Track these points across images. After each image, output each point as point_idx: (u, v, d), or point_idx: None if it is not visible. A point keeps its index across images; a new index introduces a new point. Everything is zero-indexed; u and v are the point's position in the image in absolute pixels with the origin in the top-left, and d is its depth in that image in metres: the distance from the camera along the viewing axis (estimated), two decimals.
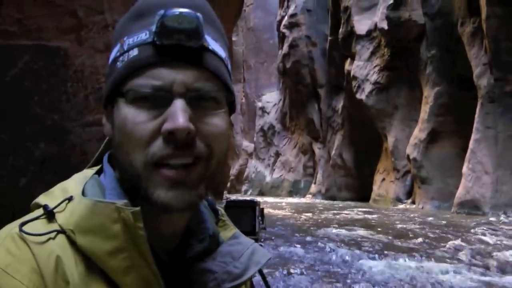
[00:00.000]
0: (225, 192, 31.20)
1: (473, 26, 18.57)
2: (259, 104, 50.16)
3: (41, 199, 0.86)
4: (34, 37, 6.88)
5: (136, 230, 0.77)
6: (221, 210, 1.07)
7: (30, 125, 6.83)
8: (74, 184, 0.88)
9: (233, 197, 35.87)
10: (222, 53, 0.87)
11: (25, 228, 0.77)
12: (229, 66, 0.90)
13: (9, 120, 6.65)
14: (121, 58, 0.84)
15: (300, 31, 38.69)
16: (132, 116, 0.80)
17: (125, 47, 0.84)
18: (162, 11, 0.79)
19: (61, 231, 0.79)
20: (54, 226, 0.80)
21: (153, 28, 0.80)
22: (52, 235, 0.78)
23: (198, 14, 0.80)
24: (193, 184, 0.81)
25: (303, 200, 35.03)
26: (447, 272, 7.40)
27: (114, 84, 0.84)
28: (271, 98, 49.01)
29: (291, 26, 39.41)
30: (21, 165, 6.75)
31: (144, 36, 0.82)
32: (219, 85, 0.85)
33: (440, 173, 21.29)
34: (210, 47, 0.84)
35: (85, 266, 0.77)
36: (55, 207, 0.82)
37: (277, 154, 45.22)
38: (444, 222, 15.09)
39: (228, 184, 41.28)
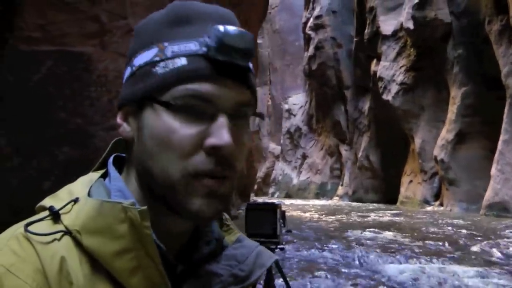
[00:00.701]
0: (252, 194, 31.28)
1: (500, 24, 18.21)
2: (286, 107, 50.16)
3: (47, 201, 0.86)
4: (57, 43, 6.96)
5: (143, 230, 0.77)
6: (225, 215, 1.07)
7: (54, 130, 6.91)
8: (79, 186, 0.89)
9: (260, 199, 35.95)
10: (253, 71, 0.88)
11: (30, 228, 0.78)
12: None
13: (33, 125, 6.74)
14: (162, 64, 0.82)
15: (326, 33, 38.65)
16: (175, 127, 0.80)
17: (168, 54, 0.82)
18: (217, 27, 0.79)
19: (67, 232, 0.80)
20: (60, 227, 0.80)
21: (208, 41, 0.80)
22: (57, 235, 0.78)
23: (250, 33, 0.82)
24: (226, 195, 0.83)
25: (330, 202, 34.93)
26: (475, 276, 7.27)
27: (153, 89, 0.83)
28: (297, 100, 48.99)
29: (317, 27, 39.38)
30: (45, 169, 6.84)
31: (193, 46, 0.81)
32: (252, 103, 0.87)
33: (468, 175, 20.96)
34: (250, 66, 0.85)
35: (91, 267, 0.78)
36: (61, 208, 0.82)
37: (304, 156, 45.16)
38: (472, 224, 14.86)
39: (255, 187, 41.34)
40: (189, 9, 0.85)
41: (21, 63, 6.57)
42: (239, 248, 0.97)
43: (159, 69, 0.82)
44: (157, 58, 0.83)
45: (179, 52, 0.81)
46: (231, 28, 0.79)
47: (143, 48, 0.86)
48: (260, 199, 36.53)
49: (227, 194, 0.83)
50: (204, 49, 0.80)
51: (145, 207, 0.77)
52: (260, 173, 48.97)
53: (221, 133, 0.78)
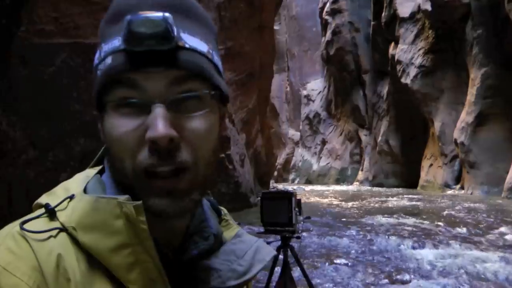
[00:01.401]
0: (272, 181, 31.37)
1: None
2: (304, 92, 50.12)
3: (43, 199, 0.85)
4: (71, 35, 7.00)
5: (139, 225, 0.76)
6: (224, 210, 1.06)
7: (69, 122, 6.98)
8: (76, 183, 0.87)
9: (280, 186, 36.03)
10: (203, 47, 0.83)
11: (26, 226, 0.77)
12: (215, 58, 0.86)
13: (49, 117, 6.82)
14: (100, 66, 0.81)
15: (343, 17, 38.48)
16: (116, 125, 0.78)
17: (102, 55, 0.81)
18: (129, 17, 0.75)
19: (63, 229, 0.78)
20: (56, 224, 0.79)
21: (123, 34, 0.77)
22: (53, 233, 0.77)
23: (166, 14, 0.76)
24: (184, 192, 0.79)
25: (350, 187, 34.92)
26: (497, 261, 7.18)
27: (97, 93, 0.82)
28: (315, 86, 48.93)
29: (334, 12, 39.22)
30: (61, 161, 6.92)
31: (116, 43, 0.79)
32: (201, 82, 0.81)
33: (489, 157, 20.75)
34: (186, 45, 0.79)
35: (88, 264, 0.76)
36: (57, 206, 0.81)
37: (323, 142, 45.16)
38: (494, 208, 14.73)
39: (275, 173, 41.47)
40: (122, 4, 0.82)
41: (35, 56, 6.62)
42: (238, 243, 0.96)
43: (99, 72, 0.81)
44: (97, 61, 0.83)
45: (107, 51, 0.80)
46: (138, 16, 0.75)
47: (95, 52, 0.86)
48: (280, 186, 36.62)
49: (189, 190, 0.80)
50: (123, 44, 0.77)
51: (140, 202, 0.76)
52: (280, 160, 49.08)
53: (155, 125, 0.74)
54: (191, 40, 0.80)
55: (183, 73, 0.79)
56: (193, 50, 0.80)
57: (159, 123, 0.74)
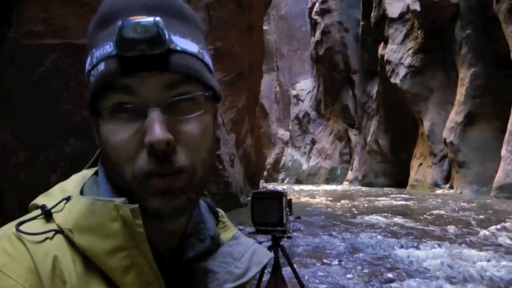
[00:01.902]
0: (261, 181, 31.38)
1: (509, 3, 18.03)
2: (293, 92, 50.21)
3: (40, 199, 0.84)
4: (61, 36, 6.96)
5: (135, 228, 0.76)
6: (221, 212, 1.06)
7: (59, 122, 6.94)
8: (72, 184, 0.87)
9: (270, 186, 36.05)
10: (193, 48, 0.83)
11: (22, 228, 0.76)
12: (206, 58, 0.86)
13: (39, 118, 6.77)
14: (92, 72, 0.80)
15: (332, 17, 38.59)
16: (113, 132, 0.78)
17: (94, 61, 0.80)
18: (120, 22, 0.75)
19: (59, 230, 0.78)
20: (52, 226, 0.78)
21: (115, 39, 0.77)
22: (50, 234, 0.77)
23: (157, 18, 0.76)
24: (180, 191, 0.79)
25: (340, 187, 35.00)
26: (486, 260, 7.23)
27: (90, 100, 0.81)
28: (305, 86, 49.02)
29: (323, 12, 39.31)
30: (52, 162, 6.88)
31: (108, 48, 0.78)
32: (194, 84, 0.81)
33: (478, 157, 20.90)
34: (178, 48, 0.79)
35: (84, 266, 0.76)
36: (53, 207, 0.81)
37: (313, 142, 45.26)
38: (483, 207, 14.82)
39: (265, 173, 41.52)
40: (110, 6, 0.81)
41: (24, 57, 6.57)
42: (235, 245, 0.96)
43: (91, 78, 0.80)
44: (89, 67, 0.82)
45: (100, 57, 0.79)
46: (129, 21, 0.75)
47: (86, 57, 0.85)
48: (270, 186, 36.65)
49: (184, 190, 0.79)
50: (115, 49, 0.77)
51: (136, 205, 0.76)
52: (270, 160, 49.12)
53: (152, 129, 0.74)
54: (181, 42, 0.80)
55: (177, 76, 0.79)
56: (184, 52, 0.80)
57: (156, 127, 0.74)
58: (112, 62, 0.77)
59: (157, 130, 0.74)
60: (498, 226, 10.18)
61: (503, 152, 18.07)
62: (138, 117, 0.77)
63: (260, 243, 1.07)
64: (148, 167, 0.76)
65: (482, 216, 12.41)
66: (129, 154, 0.77)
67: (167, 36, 0.77)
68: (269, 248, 3.70)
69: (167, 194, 0.77)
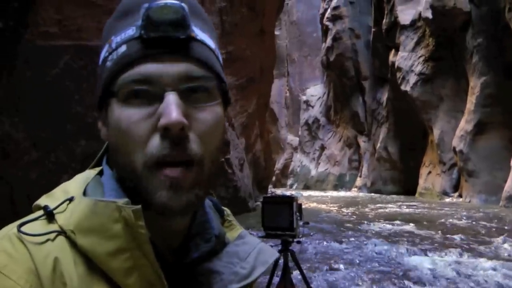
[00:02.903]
0: (270, 186, 31.31)
1: None
2: (304, 98, 50.00)
3: (43, 200, 0.84)
4: (74, 37, 7.00)
5: (137, 229, 0.75)
6: (227, 210, 1.05)
7: (71, 123, 6.97)
8: (75, 185, 0.86)
9: (278, 191, 35.98)
10: (211, 43, 0.86)
11: (23, 228, 0.76)
12: (220, 57, 0.89)
13: (51, 119, 6.80)
14: (110, 57, 0.82)
15: (343, 24, 38.46)
16: (127, 115, 0.78)
17: (113, 46, 0.82)
18: (146, 4, 0.78)
19: (61, 231, 0.78)
20: (54, 227, 0.78)
21: (139, 22, 0.79)
22: (51, 236, 0.77)
23: (183, 4, 0.79)
24: (189, 186, 0.79)
25: (348, 194, 34.83)
26: (493, 269, 7.20)
27: (105, 83, 0.82)
28: (315, 92, 48.83)
29: (334, 18, 39.18)
30: (63, 163, 6.91)
31: (131, 32, 0.80)
32: (211, 75, 0.83)
33: (487, 166, 20.74)
34: (198, 37, 0.82)
35: (86, 268, 0.76)
36: (55, 208, 0.81)
37: (322, 148, 45.04)
38: (491, 216, 14.72)
39: (273, 178, 41.35)
40: (132, 0, 0.84)
41: (39, 58, 6.62)
42: (240, 245, 0.95)
43: (108, 63, 0.82)
44: (107, 54, 0.84)
45: (120, 41, 0.81)
46: (157, 3, 0.78)
47: (102, 48, 0.87)
48: (278, 191, 36.59)
49: (193, 183, 0.79)
50: (139, 30, 0.79)
51: (139, 206, 0.75)
52: (278, 165, 48.93)
53: (168, 111, 0.75)
54: (201, 34, 0.84)
55: (196, 64, 0.81)
56: (203, 43, 0.83)
57: (173, 110, 0.75)
58: (135, 44, 0.79)
59: (174, 113, 0.75)
60: (507, 236, 10.14)
61: None
62: (152, 102, 0.78)
63: None
64: (160, 152, 0.76)
65: (491, 225, 12.34)
66: (141, 138, 0.77)
67: (190, 23, 0.80)
68: (279, 252, 3.72)
69: (177, 188, 0.77)
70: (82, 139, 7.07)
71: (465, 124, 21.99)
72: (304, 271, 4.16)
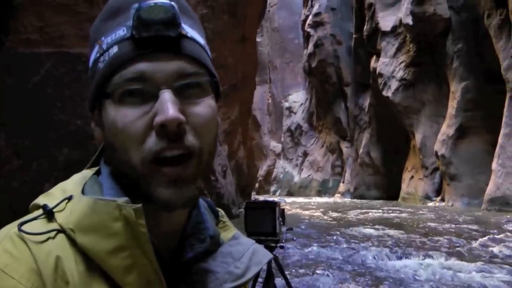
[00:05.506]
0: (253, 193, 31.29)
1: (499, 18, 18.23)
2: (286, 104, 50.18)
3: (41, 199, 0.84)
4: (56, 45, 6.95)
5: (138, 228, 0.76)
6: (221, 211, 1.06)
7: (53, 131, 6.90)
8: (73, 184, 0.87)
9: (261, 198, 35.94)
10: (201, 40, 0.88)
11: (24, 227, 0.76)
12: (209, 54, 0.90)
13: (33, 126, 6.73)
14: (101, 59, 0.82)
15: (325, 30, 38.70)
16: (122, 115, 0.78)
17: (104, 47, 0.83)
18: (136, 5, 0.78)
19: (61, 230, 0.78)
20: (54, 226, 0.78)
21: (130, 22, 0.79)
22: (52, 234, 0.77)
23: (173, 3, 0.79)
24: (190, 179, 0.80)
25: (331, 199, 34.95)
26: (477, 272, 7.24)
27: (98, 85, 0.82)
28: (297, 98, 49.02)
29: (316, 25, 39.42)
30: (45, 171, 6.84)
31: (122, 32, 0.81)
32: (203, 71, 0.85)
33: (469, 170, 20.99)
34: (188, 35, 0.83)
35: (86, 266, 0.76)
36: (55, 207, 0.80)
37: (305, 154, 45.19)
38: (474, 219, 14.85)
39: (257, 185, 41.33)
40: (121, 0, 0.84)
41: (20, 65, 6.56)
42: (235, 245, 0.95)
43: (100, 64, 0.82)
44: (97, 55, 0.84)
45: (111, 42, 0.82)
46: (147, 3, 0.78)
47: (90, 50, 0.87)
48: (261, 197, 36.51)
49: (194, 177, 0.81)
50: (130, 30, 0.79)
51: (139, 205, 0.76)
52: (261, 172, 48.98)
53: (164, 108, 0.76)
54: (191, 32, 0.85)
55: (188, 61, 0.82)
56: (194, 40, 0.84)
57: (169, 107, 0.76)
58: (126, 44, 0.80)
59: (171, 110, 0.75)
60: (489, 238, 10.23)
61: (494, 165, 18.16)
62: (147, 100, 0.78)
63: None
64: (158, 146, 0.77)
65: (473, 228, 12.44)
66: (137, 136, 0.78)
67: (180, 21, 0.80)
68: None
69: (177, 183, 0.79)
70: (64, 147, 7.01)
71: (447, 128, 22.22)
72: (288, 276, 4.15)
